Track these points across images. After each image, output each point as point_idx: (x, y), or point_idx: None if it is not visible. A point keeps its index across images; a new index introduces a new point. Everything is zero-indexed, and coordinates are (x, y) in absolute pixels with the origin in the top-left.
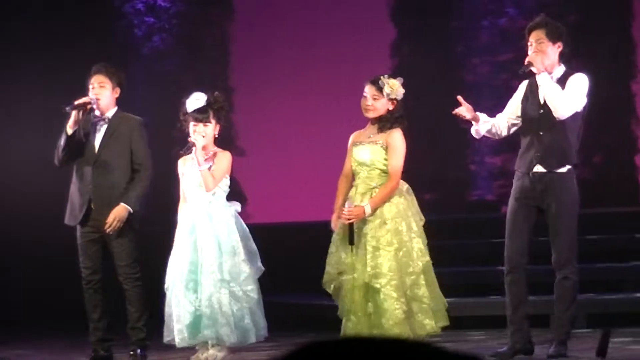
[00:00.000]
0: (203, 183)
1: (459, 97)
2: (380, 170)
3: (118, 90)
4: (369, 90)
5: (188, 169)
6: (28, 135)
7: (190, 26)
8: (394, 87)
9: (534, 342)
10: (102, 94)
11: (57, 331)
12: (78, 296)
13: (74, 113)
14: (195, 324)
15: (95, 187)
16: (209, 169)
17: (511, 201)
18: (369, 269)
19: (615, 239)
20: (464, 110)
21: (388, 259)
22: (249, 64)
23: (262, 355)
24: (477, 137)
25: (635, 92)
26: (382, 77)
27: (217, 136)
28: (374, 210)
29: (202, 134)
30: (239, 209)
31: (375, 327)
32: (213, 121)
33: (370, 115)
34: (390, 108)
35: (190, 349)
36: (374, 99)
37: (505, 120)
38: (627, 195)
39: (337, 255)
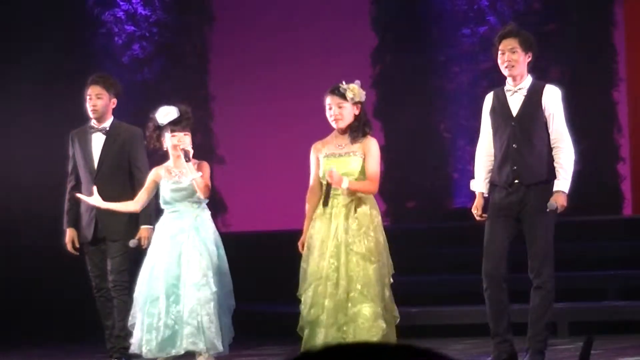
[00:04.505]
0: (199, 191)
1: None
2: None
3: (115, 101)
4: (332, 100)
5: (165, 180)
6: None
7: (169, 34)
8: (355, 90)
9: (516, 350)
10: (99, 104)
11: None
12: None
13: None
14: (171, 337)
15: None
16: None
17: (489, 215)
18: (357, 279)
19: (598, 247)
20: (479, 212)
21: (373, 270)
22: (228, 72)
23: None
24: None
25: (617, 100)
26: (341, 84)
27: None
28: (348, 191)
29: (183, 142)
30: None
31: (348, 339)
32: (189, 131)
33: (341, 124)
34: (357, 113)
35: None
36: (340, 107)
37: (488, 158)
38: (610, 203)
39: (313, 266)
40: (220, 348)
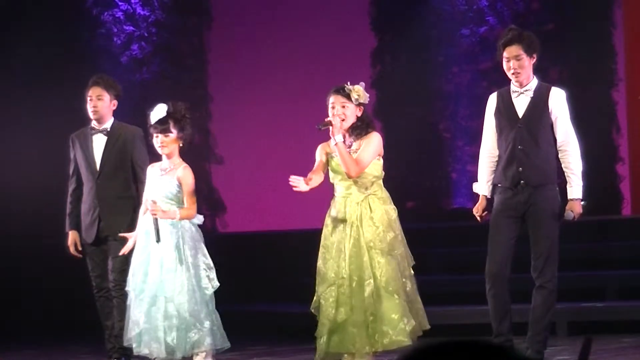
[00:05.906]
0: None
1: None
2: (373, 175)
3: (115, 102)
4: (336, 99)
5: (150, 178)
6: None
7: (168, 35)
8: (360, 92)
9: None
10: (99, 106)
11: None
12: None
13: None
14: (140, 335)
15: (100, 200)
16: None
17: (493, 216)
18: (381, 274)
19: (597, 247)
20: (480, 213)
21: (395, 264)
22: (227, 72)
23: None
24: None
25: (616, 100)
26: (345, 85)
27: (181, 146)
28: (336, 146)
29: (164, 144)
30: (200, 222)
31: (377, 335)
32: (174, 131)
33: (344, 125)
34: (359, 114)
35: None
36: (344, 106)
37: (492, 160)
38: (609, 204)
39: (332, 267)
40: (162, 355)
